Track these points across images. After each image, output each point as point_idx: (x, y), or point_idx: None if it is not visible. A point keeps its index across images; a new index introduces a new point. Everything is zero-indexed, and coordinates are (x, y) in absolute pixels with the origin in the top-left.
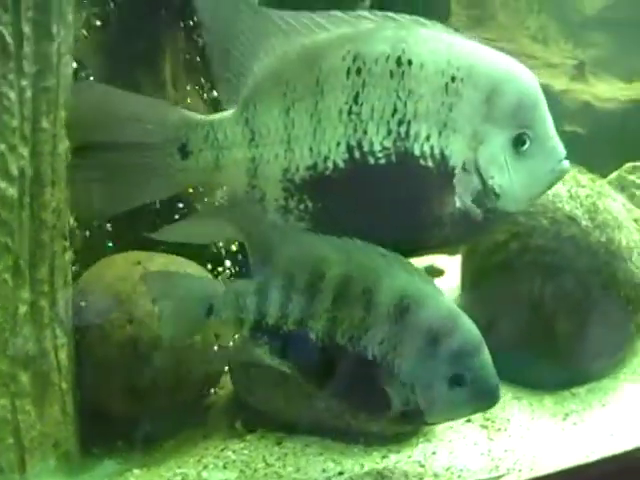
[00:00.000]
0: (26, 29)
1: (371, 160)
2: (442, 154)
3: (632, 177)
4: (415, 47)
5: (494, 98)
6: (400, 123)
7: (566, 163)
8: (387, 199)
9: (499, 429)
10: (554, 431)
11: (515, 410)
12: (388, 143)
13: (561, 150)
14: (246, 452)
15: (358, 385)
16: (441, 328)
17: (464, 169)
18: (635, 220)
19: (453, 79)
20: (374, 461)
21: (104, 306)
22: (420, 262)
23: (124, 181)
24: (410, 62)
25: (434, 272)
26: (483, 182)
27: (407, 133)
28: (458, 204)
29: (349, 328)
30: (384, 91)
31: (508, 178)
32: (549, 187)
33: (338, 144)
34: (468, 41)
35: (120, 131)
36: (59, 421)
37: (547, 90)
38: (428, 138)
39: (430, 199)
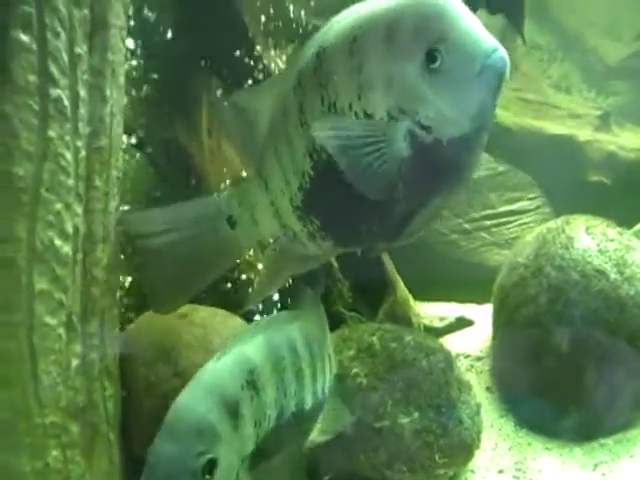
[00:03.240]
0: (82, 92)
1: (323, 156)
2: (366, 115)
3: None
4: (330, 32)
5: (392, 31)
6: (330, 108)
7: (499, 54)
8: (352, 186)
9: (531, 479)
10: None
11: (546, 461)
12: None
13: (488, 44)
14: None
15: None
16: None
17: (390, 118)
18: None
19: (355, 39)
20: None
21: (150, 358)
22: (451, 312)
23: (191, 268)
24: (325, 49)
25: (464, 322)
26: (412, 120)
27: (336, 114)
28: (398, 153)
29: None
30: (312, 88)
31: (433, 105)
32: (491, 91)
33: (303, 156)
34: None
35: (180, 240)
36: (107, 472)
37: (572, 141)
38: (351, 107)
39: (377, 163)
